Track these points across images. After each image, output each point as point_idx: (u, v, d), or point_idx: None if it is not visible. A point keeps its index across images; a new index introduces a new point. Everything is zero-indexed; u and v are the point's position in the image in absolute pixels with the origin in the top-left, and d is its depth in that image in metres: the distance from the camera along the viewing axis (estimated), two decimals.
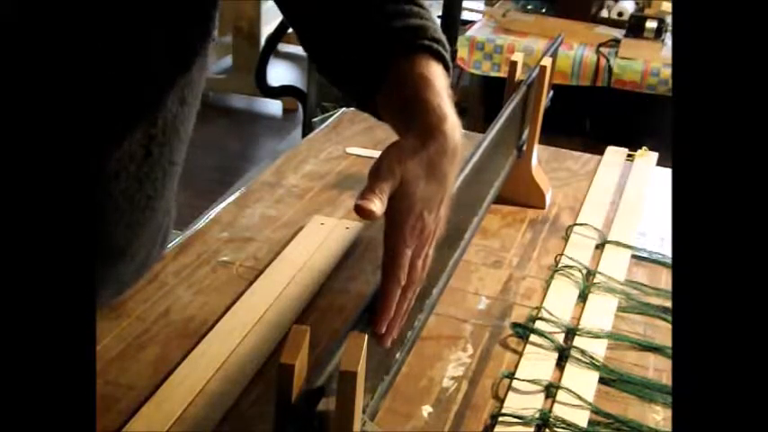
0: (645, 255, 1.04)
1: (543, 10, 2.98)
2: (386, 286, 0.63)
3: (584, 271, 0.98)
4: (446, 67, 0.72)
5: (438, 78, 0.69)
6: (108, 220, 0.75)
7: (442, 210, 0.67)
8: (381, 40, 0.72)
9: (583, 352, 0.83)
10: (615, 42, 2.69)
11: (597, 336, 0.87)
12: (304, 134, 2.90)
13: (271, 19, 3.59)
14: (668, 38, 2.76)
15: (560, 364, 0.83)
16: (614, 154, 1.31)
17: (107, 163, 0.72)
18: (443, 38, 0.73)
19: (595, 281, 0.97)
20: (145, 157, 0.75)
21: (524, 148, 1.09)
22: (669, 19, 2.78)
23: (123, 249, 0.79)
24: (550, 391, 0.79)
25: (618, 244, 1.05)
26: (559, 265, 0.98)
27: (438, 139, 0.65)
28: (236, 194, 1.10)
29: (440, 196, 0.66)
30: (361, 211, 0.60)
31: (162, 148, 0.77)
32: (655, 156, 1.31)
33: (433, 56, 0.71)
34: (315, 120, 2.66)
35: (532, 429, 0.74)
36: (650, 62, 2.57)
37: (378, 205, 0.61)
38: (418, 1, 0.75)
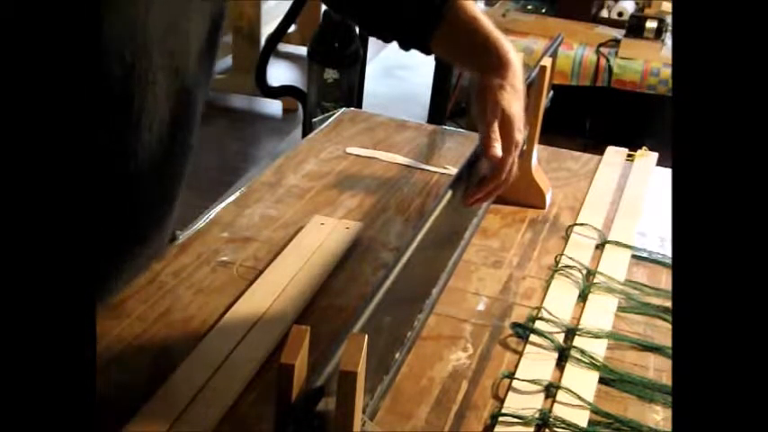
0: (645, 255, 1.04)
1: (543, 10, 2.98)
2: (491, 185, 0.88)
3: (584, 271, 0.98)
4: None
5: (481, 14, 0.89)
6: (136, 203, 0.81)
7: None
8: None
9: (583, 352, 0.83)
10: (615, 42, 2.69)
11: (597, 336, 0.87)
12: (304, 134, 2.91)
13: (271, 19, 3.59)
14: (668, 38, 2.76)
15: (560, 364, 0.83)
16: (614, 154, 1.31)
17: (137, 146, 0.79)
18: None
19: (595, 281, 0.97)
20: (173, 137, 0.83)
21: (524, 148, 1.09)
22: (669, 19, 2.78)
23: (146, 236, 0.88)
24: (550, 391, 0.79)
25: (618, 244, 1.05)
26: (559, 265, 0.98)
27: (512, 67, 0.86)
28: (236, 194, 1.10)
29: (523, 111, 0.88)
30: (492, 156, 0.84)
31: (185, 132, 0.84)
32: (655, 156, 1.30)
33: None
34: (315, 120, 2.66)
35: (532, 429, 0.74)
36: (650, 62, 2.58)
37: (498, 147, 0.84)
38: None
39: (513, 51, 0.88)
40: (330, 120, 1.38)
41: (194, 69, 0.84)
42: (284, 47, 3.88)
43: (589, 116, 2.78)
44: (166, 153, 0.84)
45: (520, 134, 0.87)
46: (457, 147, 1.30)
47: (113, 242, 0.83)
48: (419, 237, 0.71)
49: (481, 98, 0.86)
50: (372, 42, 3.09)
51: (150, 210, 0.86)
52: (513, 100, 0.86)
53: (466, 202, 0.89)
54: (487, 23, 0.89)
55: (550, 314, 0.89)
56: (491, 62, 0.87)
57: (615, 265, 1.00)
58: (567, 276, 0.97)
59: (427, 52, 0.93)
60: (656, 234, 1.09)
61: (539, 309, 0.90)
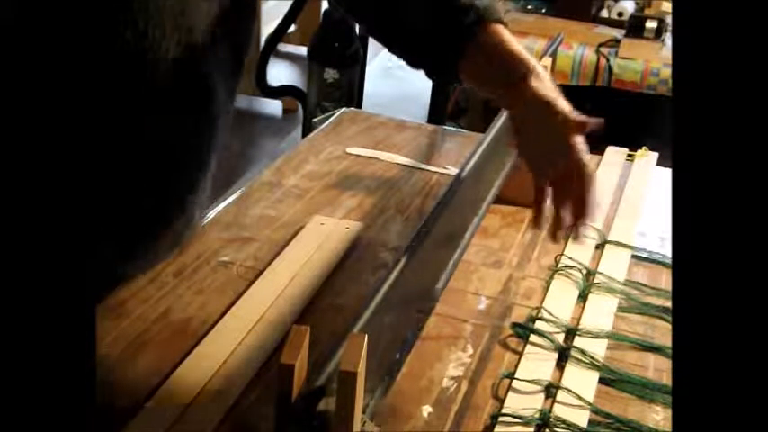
0: (645, 255, 1.04)
1: (543, 10, 2.98)
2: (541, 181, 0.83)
3: (584, 271, 0.98)
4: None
5: (512, 38, 0.86)
6: (149, 179, 0.79)
7: None
8: (460, 16, 0.85)
9: (583, 352, 0.83)
10: (615, 42, 2.69)
11: (597, 336, 0.87)
12: (304, 134, 2.90)
13: (271, 19, 3.59)
14: (668, 38, 2.76)
15: (560, 364, 0.83)
16: (614, 154, 1.31)
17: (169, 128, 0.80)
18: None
19: (595, 281, 0.97)
20: (186, 115, 0.82)
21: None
22: (669, 19, 2.78)
23: (167, 219, 0.86)
24: (550, 391, 0.79)
25: (618, 244, 1.05)
26: (559, 265, 0.98)
27: (539, 73, 0.83)
28: (237, 194, 1.10)
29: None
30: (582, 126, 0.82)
31: (201, 113, 0.83)
32: (655, 156, 1.30)
33: (502, 23, 0.87)
34: (315, 120, 2.66)
35: (532, 429, 0.74)
36: (650, 62, 2.57)
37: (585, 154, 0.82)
38: None
39: (540, 67, 0.85)
40: (330, 120, 1.38)
41: (213, 49, 0.84)
42: (284, 47, 3.87)
43: (589, 116, 2.78)
44: (180, 131, 0.84)
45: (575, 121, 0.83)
46: (457, 147, 1.30)
47: (127, 221, 0.85)
48: (420, 238, 0.71)
49: (518, 111, 0.83)
50: (373, 42, 3.09)
51: (166, 188, 0.86)
52: (550, 90, 0.83)
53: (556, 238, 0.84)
54: (516, 44, 0.86)
55: (550, 314, 0.89)
56: (518, 73, 0.83)
57: (615, 265, 1.00)
58: (567, 276, 0.97)
59: (455, 78, 0.89)
60: (656, 234, 1.09)
61: (539, 309, 0.90)
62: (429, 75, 0.90)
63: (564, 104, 0.82)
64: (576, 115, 0.81)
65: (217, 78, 0.87)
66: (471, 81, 0.88)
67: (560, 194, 0.82)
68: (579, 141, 0.81)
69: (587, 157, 0.81)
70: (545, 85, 0.82)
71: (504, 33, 0.85)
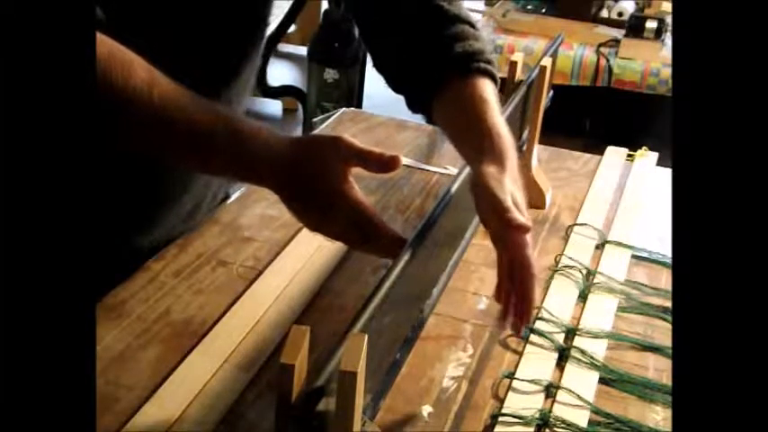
0: (645, 255, 1.04)
1: (543, 10, 2.98)
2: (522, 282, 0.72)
3: (584, 271, 0.98)
4: (495, 84, 0.84)
5: (493, 98, 0.81)
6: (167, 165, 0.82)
7: None
8: (443, 58, 0.82)
9: (583, 352, 0.83)
10: (615, 42, 2.69)
11: (597, 336, 0.87)
12: (304, 134, 2.90)
13: (271, 19, 3.58)
14: (668, 38, 2.76)
15: (560, 364, 0.83)
16: (614, 154, 1.31)
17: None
18: (493, 59, 0.85)
19: (595, 281, 0.97)
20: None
21: (524, 148, 1.09)
22: (669, 19, 2.78)
23: (174, 198, 0.91)
24: (550, 391, 0.79)
25: (618, 244, 1.05)
26: (559, 265, 0.98)
27: (511, 160, 0.75)
28: (237, 194, 1.10)
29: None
30: (521, 228, 0.70)
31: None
32: (655, 156, 1.30)
33: (487, 75, 0.82)
34: (315, 120, 2.67)
35: (532, 429, 0.74)
36: (650, 62, 2.58)
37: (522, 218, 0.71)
38: (472, 23, 0.86)
39: (513, 149, 0.77)
40: (330, 120, 1.38)
41: (222, 38, 0.86)
42: (284, 47, 3.87)
43: (589, 116, 2.78)
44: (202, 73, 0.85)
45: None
46: None
47: (134, 202, 0.87)
48: (420, 238, 0.71)
49: (485, 191, 0.72)
50: None
51: (171, 169, 0.87)
52: (519, 193, 0.74)
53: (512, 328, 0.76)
54: (495, 112, 0.79)
55: (550, 314, 0.89)
56: (491, 152, 0.75)
57: (615, 265, 1.00)
58: (567, 276, 0.97)
59: (429, 118, 0.86)
60: (656, 234, 1.09)
61: (539, 309, 0.90)
62: (408, 106, 0.88)
63: (511, 199, 0.72)
64: (515, 218, 0.70)
65: (229, 64, 0.88)
66: (443, 130, 0.84)
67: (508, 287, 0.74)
68: (520, 241, 0.72)
69: (528, 255, 0.72)
70: (499, 171, 0.73)
71: (485, 91, 0.80)
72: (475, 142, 0.77)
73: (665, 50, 2.67)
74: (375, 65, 0.90)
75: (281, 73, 3.84)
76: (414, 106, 0.87)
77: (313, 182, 0.71)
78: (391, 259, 0.69)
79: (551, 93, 1.13)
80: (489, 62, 0.83)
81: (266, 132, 0.71)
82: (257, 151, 0.70)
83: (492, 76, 0.83)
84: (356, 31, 2.85)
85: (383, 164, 0.72)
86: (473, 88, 0.81)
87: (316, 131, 1.34)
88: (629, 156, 1.30)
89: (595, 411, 0.77)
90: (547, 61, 1.06)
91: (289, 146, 0.71)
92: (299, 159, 0.71)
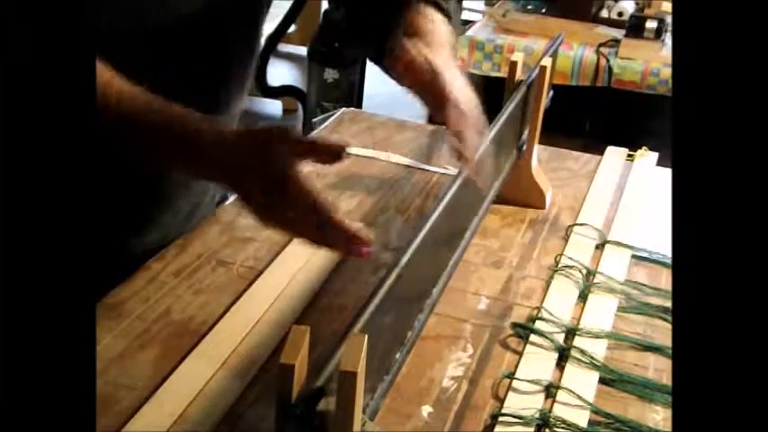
0: (645, 255, 1.04)
1: (543, 10, 2.98)
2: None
3: (584, 271, 0.98)
4: (447, 18, 0.93)
5: (439, 23, 0.90)
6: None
7: None
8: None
9: (583, 352, 0.83)
10: (615, 42, 2.69)
11: (597, 336, 0.87)
12: (304, 134, 2.90)
13: (271, 19, 3.58)
14: (668, 38, 2.76)
15: (560, 364, 0.83)
16: (614, 154, 1.31)
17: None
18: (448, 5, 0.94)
19: (595, 281, 0.97)
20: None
21: (524, 148, 1.09)
22: (669, 19, 2.78)
23: (171, 200, 0.93)
24: (550, 391, 0.79)
25: (618, 244, 1.05)
26: (559, 265, 0.98)
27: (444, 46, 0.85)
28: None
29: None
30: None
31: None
32: (655, 156, 1.30)
33: (436, 7, 0.91)
34: (315, 120, 2.67)
35: (532, 429, 0.74)
36: (650, 62, 2.57)
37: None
38: None
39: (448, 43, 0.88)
40: (330, 120, 1.38)
41: (215, 55, 0.89)
42: (284, 47, 3.87)
43: (589, 116, 2.78)
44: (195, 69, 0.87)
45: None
46: None
47: (132, 203, 0.87)
48: (420, 238, 0.71)
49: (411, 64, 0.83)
50: None
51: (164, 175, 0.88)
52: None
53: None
54: (435, 23, 0.89)
55: (550, 314, 0.89)
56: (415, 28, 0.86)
57: (615, 265, 1.00)
58: (567, 276, 0.97)
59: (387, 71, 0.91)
60: (656, 234, 1.09)
61: (539, 309, 0.90)
62: (372, 59, 0.96)
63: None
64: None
65: (223, 76, 0.90)
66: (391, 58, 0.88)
67: None
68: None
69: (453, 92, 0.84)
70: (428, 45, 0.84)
71: (431, 15, 0.88)
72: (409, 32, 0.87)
73: (665, 50, 2.67)
74: (347, 30, 1.00)
75: (281, 73, 3.84)
76: (379, 55, 0.92)
77: (265, 169, 0.71)
78: (344, 255, 0.73)
79: (551, 93, 1.13)
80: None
81: (217, 127, 0.73)
82: (210, 147, 0.71)
83: (442, 10, 0.91)
84: None
85: (331, 152, 0.72)
86: (419, 16, 0.89)
87: (316, 131, 1.34)
88: (629, 156, 1.30)
89: (595, 411, 0.77)
90: (547, 61, 1.06)
91: (239, 137, 0.72)
92: (251, 150, 0.71)
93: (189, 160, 0.73)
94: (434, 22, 0.89)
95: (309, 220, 0.70)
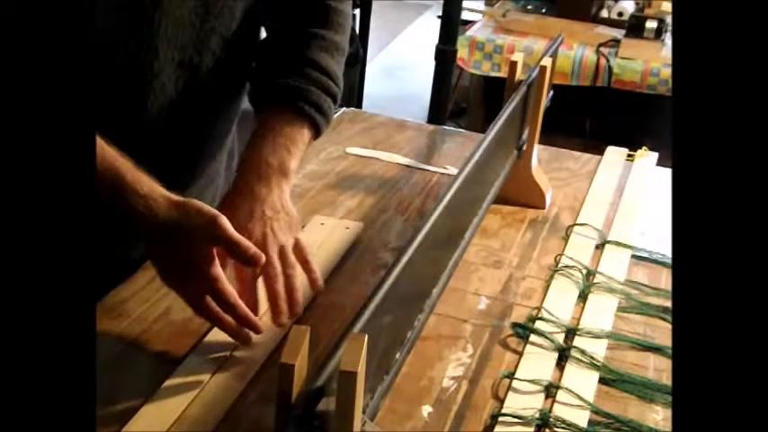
0: (645, 255, 1.04)
1: (543, 10, 2.98)
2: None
3: (584, 271, 0.98)
4: (316, 131, 0.91)
5: (290, 136, 0.88)
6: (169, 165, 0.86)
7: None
8: (273, 88, 0.90)
9: (583, 352, 0.83)
10: (615, 42, 2.69)
11: (597, 336, 0.87)
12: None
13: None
14: (668, 38, 2.76)
15: (560, 364, 0.83)
16: (614, 154, 1.31)
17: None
18: (326, 105, 0.91)
19: (595, 281, 0.97)
20: (181, 124, 0.90)
21: (524, 148, 1.09)
22: (669, 19, 2.78)
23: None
24: (550, 391, 0.79)
25: (618, 244, 1.05)
26: (559, 265, 0.98)
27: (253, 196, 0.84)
28: None
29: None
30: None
31: (197, 123, 0.93)
32: (655, 156, 1.30)
33: (303, 117, 0.89)
34: None
35: (532, 429, 0.74)
36: (650, 62, 2.58)
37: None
38: (330, 69, 0.92)
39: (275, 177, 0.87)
40: None
41: (212, 64, 0.90)
42: None
43: (589, 116, 2.78)
44: (174, 138, 0.91)
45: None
46: (457, 147, 1.30)
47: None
48: (420, 238, 0.71)
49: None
50: (372, 42, 3.09)
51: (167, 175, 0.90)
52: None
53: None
54: (276, 145, 0.88)
55: (550, 314, 0.89)
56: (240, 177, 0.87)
57: (615, 265, 1.00)
58: (567, 276, 0.97)
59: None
60: (656, 234, 1.09)
61: (539, 309, 0.90)
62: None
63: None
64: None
65: (218, 86, 0.91)
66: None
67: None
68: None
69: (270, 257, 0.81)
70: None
71: (283, 128, 0.88)
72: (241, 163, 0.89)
73: (665, 50, 2.67)
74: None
75: None
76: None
77: (176, 248, 0.76)
78: (238, 342, 0.77)
79: (551, 93, 1.13)
80: (313, 104, 0.89)
81: (149, 190, 0.77)
82: (136, 206, 0.76)
83: (308, 118, 0.89)
84: (356, 31, 2.85)
85: (247, 258, 0.76)
86: (272, 120, 0.90)
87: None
88: (629, 156, 1.30)
89: (595, 411, 0.77)
90: (547, 61, 1.06)
91: (167, 209, 0.76)
92: (171, 224, 0.76)
93: (122, 211, 0.77)
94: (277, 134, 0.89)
95: (204, 298, 0.76)
